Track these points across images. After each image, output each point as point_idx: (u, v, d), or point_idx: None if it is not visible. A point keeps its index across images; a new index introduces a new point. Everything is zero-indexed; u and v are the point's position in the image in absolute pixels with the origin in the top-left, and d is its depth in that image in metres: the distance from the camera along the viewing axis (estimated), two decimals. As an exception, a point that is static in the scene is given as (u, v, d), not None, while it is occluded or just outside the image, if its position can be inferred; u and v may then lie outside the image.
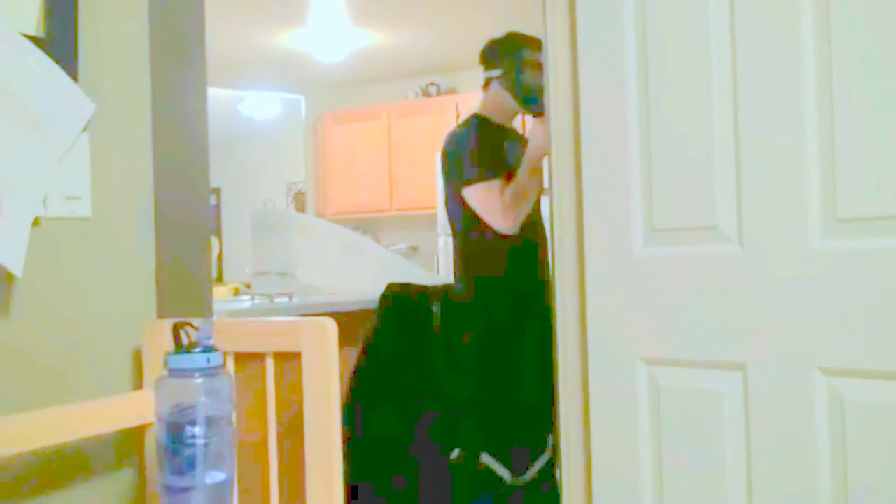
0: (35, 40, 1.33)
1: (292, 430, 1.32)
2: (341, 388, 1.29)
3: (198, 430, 1.15)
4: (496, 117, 2.93)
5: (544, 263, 2.79)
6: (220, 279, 8.04)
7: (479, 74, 3.00)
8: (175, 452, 1.15)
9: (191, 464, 1.15)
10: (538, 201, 2.88)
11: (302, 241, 3.25)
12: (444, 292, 2.93)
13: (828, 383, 1.49)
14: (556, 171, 1.89)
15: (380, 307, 2.90)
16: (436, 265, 6.09)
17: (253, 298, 3.15)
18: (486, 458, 2.77)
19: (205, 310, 1.53)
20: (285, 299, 3.09)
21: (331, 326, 1.20)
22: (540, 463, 2.84)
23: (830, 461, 1.49)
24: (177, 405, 1.16)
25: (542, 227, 2.92)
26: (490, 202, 2.75)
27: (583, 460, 1.83)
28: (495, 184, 2.76)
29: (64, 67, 1.37)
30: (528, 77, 2.82)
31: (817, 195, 1.51)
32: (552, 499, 2.85)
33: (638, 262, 1.72)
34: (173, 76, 1.62)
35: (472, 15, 5.28)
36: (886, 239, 1.44)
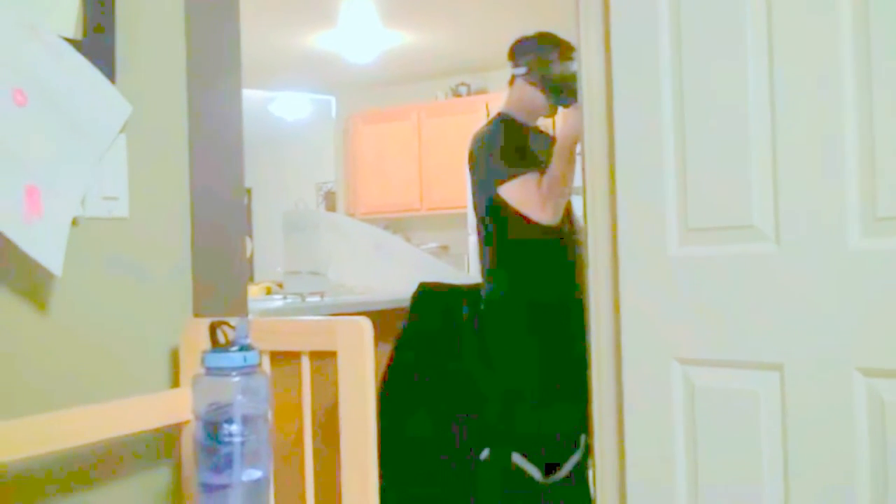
0: (74, 43, 1.35)
1: (327, 429, 1.33)
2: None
3: (234, 428, 1.16)
4: (521, 116, 2.93)
5: (579, 263, 2.77)
6: (251, 278, 8.10)
7: (507, 71, 3.00)
8: (212, 450, 1.16)
9: (228, 462, 1.15)
10: (570, 202, 2.87)
11: (333, 240, 3.26)
12: (475, 292, 2.92)
13: (867, 384, 1.47)
14: (590, 170, 1.88)
15: (412, 306, 2.90)
16: (466, 264, 6.09)
17: (285, 297, 3.17)
18: (516, 458, 2.76)
19: (241, 308, 1.54)
20: (317, 298, 3.10)
21: (366, 326, 1.21)
22: (572, 462, 2.82)
23: (870, 463, 1.46)
24: (214, 403, 1.17)
25: (575, 226, 2.91)
26: (528, 195, 2.73)
27: (616, 460, 1.82)
28: (530, 176, 2.74)
29: (102, 70, 1.39)
30: (555, 69, 2.82)
31: (856, 193, 1.49)
32: (584, 498, 2.84)
33: (673, 261, 1.71)
34: (209, 78, 1.63)
35: (502, 14, 5.27)
36: (927, 237, 1.42)
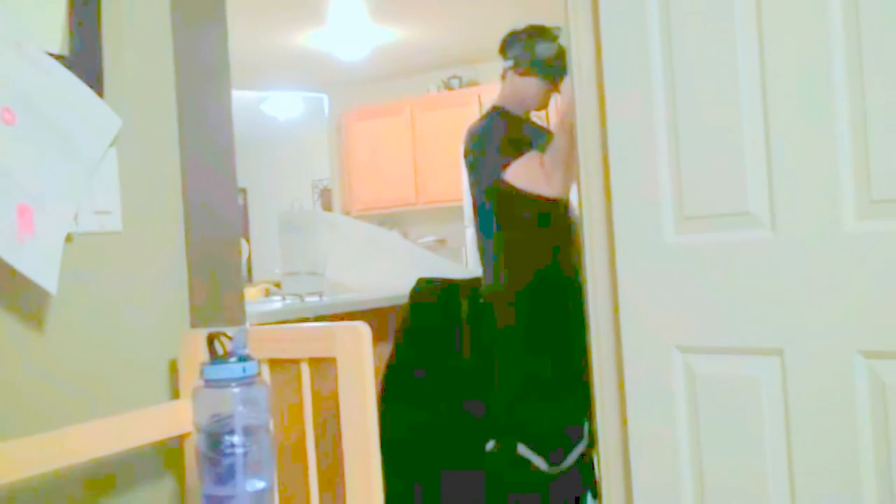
0: (60, 59, 1.34)
1: (329, 435, 1.33)
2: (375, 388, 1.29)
3: (236, 439, 1.16)
4: (515, 108, 2.94)
5: (579, 253, 2.77)
6: (250, 279, 8.10)
7: (499, 66, 3.01)
8: (215, 462, 1.16)
9: (231, 473, 1.15)
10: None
11: (330, 239, 3.26)
12: (475, 286, 2.92)
13: (868, 366, 1.47)
14: (584, 160, 1.88)
15: (410, 303, 2.90)
16: (464, 256, 6.09)
17: (284, 299, 3.17)
18: (522, 449, 2.76)
19: (238, 316, 1.54)
20: (316, 298, 3.10)
21: (364, 331, 1.21)
22: (577, 451, 2.83)
23: (873, 445, 1.47)
24: (214, 415, 1.17)
25: (572, 217, 2.91)
26: (534, 171, 2.73)
27: (620, 450, 1.82)
28: (533, 154, 2.75)
29: (90, 85, 1.38)
30: (541, 51, 2.86)
31: (850, 177, 1.49)
32: (589, 486, 2.85)
33: (669, 249, 1.71)
34: (198, 84, 1.62)
35: (491, 6, 5.25)
36: (922, 218, 1.42)
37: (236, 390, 1.17)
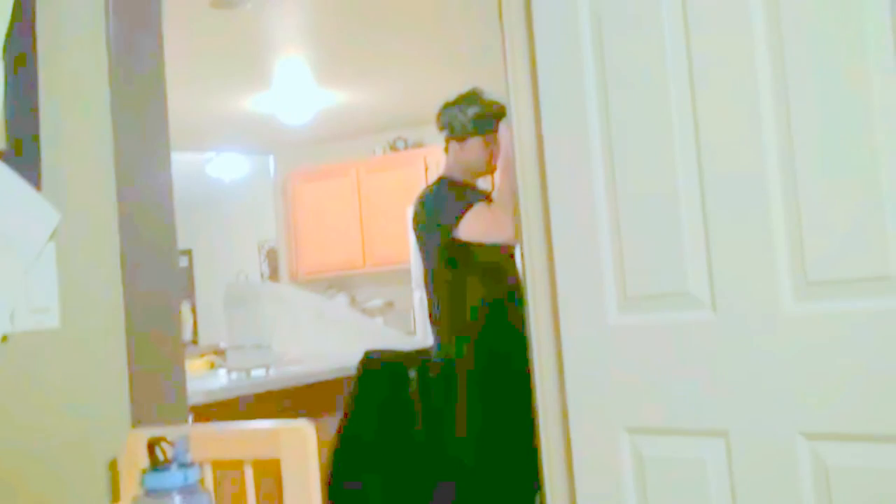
0: (-3, 155, 1.33)
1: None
2: (320, 460, 1.27)
3: (178, 548, 1.12)
4: (460, 175, 2.99)
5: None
6: (195, 343, 7.96)
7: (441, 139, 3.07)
8: (156, 573, 1.12)
9: (173, 585, 1.11)
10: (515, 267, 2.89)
11: (276, 311, 3.23)
12: (423, 357, 2.91)
13: (810, 447, 1.48)
14: (527, 240, 1.90)
15: (357, 377, 2.88)
16: (412, 320, 6.06)
17: (230, 373, 3.12)
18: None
19: (182, 413, 1.51)
20: (262, 371, 3.06)
21: (309, 432, 1.19)
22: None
23: (818, 526, 1.48)
24: (155, 524, 1.14)
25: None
26: (484, 219, 2.77)
27: (571, 531, 1.81)
28: (480, 205, 2.80)
29: (27, 179, 1.36)
30: (476, 111, 2.94)
31: (786, 258, 1.51)
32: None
33: (613, 330, 1.72)
34: (138, 162, 1.61)
35: (436, 70, 5.33)
36: (858, 301, 1.44)
37: (177, 498, 1.13)
